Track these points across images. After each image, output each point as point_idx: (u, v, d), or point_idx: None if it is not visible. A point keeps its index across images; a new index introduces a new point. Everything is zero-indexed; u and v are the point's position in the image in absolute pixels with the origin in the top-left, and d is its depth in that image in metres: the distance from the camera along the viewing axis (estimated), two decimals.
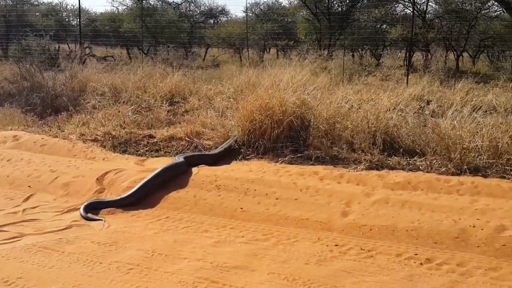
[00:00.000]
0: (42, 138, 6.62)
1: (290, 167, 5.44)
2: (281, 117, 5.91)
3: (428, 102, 9.18)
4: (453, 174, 4.98)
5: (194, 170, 5.29)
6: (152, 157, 6.18)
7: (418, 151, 5.66)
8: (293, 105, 6.03)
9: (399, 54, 23.56)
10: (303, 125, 6.06)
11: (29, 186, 5.27)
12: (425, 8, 22.24)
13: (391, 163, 5.34)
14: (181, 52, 22.19)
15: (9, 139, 6.65)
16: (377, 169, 5.25)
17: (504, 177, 4.87)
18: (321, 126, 6.14)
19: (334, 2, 22.48)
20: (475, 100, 8.31)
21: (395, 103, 7.25)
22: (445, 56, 19.74)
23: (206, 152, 5.79)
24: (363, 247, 3.82)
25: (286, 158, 5.67)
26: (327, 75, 11.28)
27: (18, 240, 3.90)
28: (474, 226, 3.92)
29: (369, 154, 5.43)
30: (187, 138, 6.56)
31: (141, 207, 4.75)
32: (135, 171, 5.35)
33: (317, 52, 19.21)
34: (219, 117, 7.45)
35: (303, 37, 23.31)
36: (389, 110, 6.36)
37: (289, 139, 5.94)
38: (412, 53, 16.76)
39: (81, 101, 9.68)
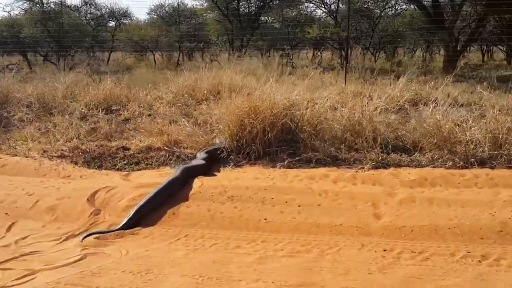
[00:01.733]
0: (0, 158, 5.84)
1: (292, 171, 5.21)
2: (274, 120, 5.64)
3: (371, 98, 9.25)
4: (461, 167, 4.99)
5: (196, 182, 4.87)
6: (133, 170, 5.65)
7: (408, 147, 5.64)
8: (282, 107, 5.78)
9: (306, 53, 24.13)
10: (295, 128, 5.83)
11: (6, 214, 4.58)
12: (336, 8, 23.00)
13: (394, 161, 5.24)
14: (84, 57, 21.23)
15: None
16: (384, 168, 5.15)
17: (511, 167, 4.93)
18: (306, 128, 5.96)
19: (243, 4, 22.34)
20: (419, 95, 8.56)
21: (341, 101, 7.25)
22: (364, 54, 20.48)
23: (201, 162, 5.36)
24: (413, 249, 3.66)
25: (285, 162, 5.42)
26: (253, 76, 11.15)
27: (33, 279, 3.31)
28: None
29: (373, 153, 5.30)
30: (166, 148, 6.09)
31: (148, 227, 4.26)
32: (128, 188, 4.84)
33: (230, 53, 19.12)
34: (169, 124, 7.07)
35: (215, 39, 23.12)
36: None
37: (284, 142, 5.69)
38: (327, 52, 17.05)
39: (4, 114, 8.78)
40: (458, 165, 5.00)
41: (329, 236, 3.94)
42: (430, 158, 5.25)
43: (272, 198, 4.47)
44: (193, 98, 9.70)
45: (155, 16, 26.52)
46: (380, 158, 5.21)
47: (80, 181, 5.24)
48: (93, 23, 24.70)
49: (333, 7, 22.80)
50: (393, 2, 22.03)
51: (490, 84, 9.12)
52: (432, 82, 9.53)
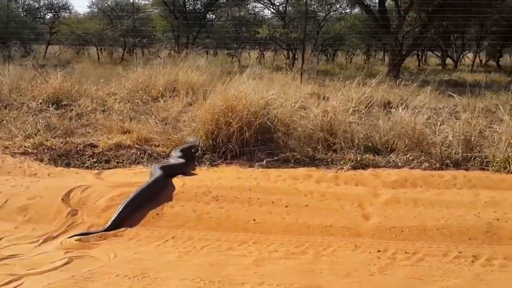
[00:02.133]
0: None
1: (272, 171, 5.17)
2: (251, 119, 5.55)
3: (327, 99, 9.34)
4: (438, 169, 5.10)
5: (177, 181, 4.72)
6: (103, 169, 5.41)
7: (380, 148, 5.72)
8: (259, 106, 5.71)
9: (249, 53, 24.16)
10: (271, 127, 5.78)
11: None
12: (284, 9, 23.21)
13: (371, 161, 5.30)
14: (20, 49, 20.36)
15: None
16: (363, 168, 5.20)
17: (484, 169, 5.10)
18: (280, 127, 5.94)
19: (189, 0, 22.02)
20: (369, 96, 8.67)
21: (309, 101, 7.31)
22: (315, 55, 20.74)
23: (181, 160, 5.19)
24: (406, 250, 3.69)
25: (263, 162, 5.36)
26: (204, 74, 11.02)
27: (20, 284, 3.08)
28: (498, 219, 4.01)
29: (351, 154, 5.33)
30: (136, 146, 5.88)
31: (129, 227, 4.08)
32: (104, 187, 4.62)
33: (175, 50, 18.86)
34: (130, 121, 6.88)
35: (159, 35, 22.73)
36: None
37: (261, 142, 5.62)
38: (300, 52, 17.15)
39: None
40: (434, 167, 5.12)
41: (321, 237, 3.91)
42: (405, 159, 5.32)
43: (258, 199, 4.40)
44: (148, 94, 9.43)
45: (96, 10, 25.66)
46: (358, 158, 5.23)
47: (49, 179, 4.95)
48: (29, 15, 23.55)
49: (281, 8, 23.02)
50: (337, 6, 22.49)
51: (436, 87, 9.32)
52: (385, 86, 9.68)
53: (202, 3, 22.37)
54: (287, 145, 5.63)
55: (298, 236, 3.92)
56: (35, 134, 6.37)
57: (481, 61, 22.17)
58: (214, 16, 23.78)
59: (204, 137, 5.68)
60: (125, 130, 6.80)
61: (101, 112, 8.10)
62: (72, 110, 8.19)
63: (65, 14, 25.39)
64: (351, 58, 25.01)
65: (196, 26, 21.04)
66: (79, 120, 7.56)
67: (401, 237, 3.88)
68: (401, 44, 18.00)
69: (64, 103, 8.62)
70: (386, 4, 18.47)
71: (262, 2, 23.09)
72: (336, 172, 5.07)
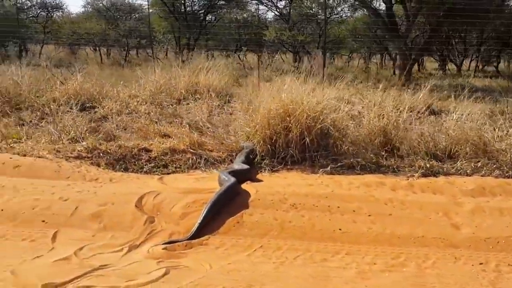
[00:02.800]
0: (11, 158, 5.26)
1: (340, 177, 5.04)
2: (311, 124, 5.41)
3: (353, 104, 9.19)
4: (510, 177, 4.96)
5: (250, 188, 4.56)
6: (162, 174, 5.25)
7: (439, 154, 5.60)
8: (319, 111, 5.56)
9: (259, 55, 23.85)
10: (329, 132, 5.64)
11: (43, 221, 4.08)
12: (289, 12, 23.07)
13: (441, 169, 5.17)
14: (15, 50, 20.12)
15: None
16: (434, 176, 5.06)
17: None
18: (334, 133, 5.79)
19: (189, 1, 21.75)
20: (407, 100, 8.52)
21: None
22: (325, 59, 20.57)
23: (246, 166, 5.05)
24: (508, 262, 3.56)
25: (328, 168, 5.20)
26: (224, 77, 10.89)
27: None
28: None
29: (420, 161, 5.20)
30: (191, 150, 5.72)
31: (211, 235, 3.92)
32: (175, 194, 4.46)
33: (176, 52, 18.67)
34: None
35: (160, 36, 22.48)
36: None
37: (322, 147, 5.47)
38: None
39: None
40: (507, 174, 4.98)
41: (415, 248, 3.77)
42: (472, 166, 5.19)
43: (338, 207, 4.25)
44: (170, 97, 9.26)
45: (90, 9, 25.33)
46: (428, 165, 5.10)
47: (113, 185, 4.79)
48: (21, 13, 23.15)
49: (284, 11, 22.86)
50: (338, 9, 22.39)
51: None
52: (409, 90, 9.47)
53: (201, 5, 22.11)
54: (348, 151, 5.48)
55: (391, 247, 3.77)
56: (81, 137, 6.21)
57: (477, 66, 22.03)
58: (214, 18, 23.41)
59: (262, 142, 5.51)
60: (163, 133, 6.67)
61: (126, 114, 7.93)
62: (96, 112, 8.00)
63: (58, 14, 25.01)
64: (348, 62, 24.73)
65: (197, 27, 20.77)
66: (105, 123, 7.38)
67: (498, 248, 3.75)
68: (410, 49, 17.91)
69: (88, 105, 8.40)
70: (394, 8, 18.35)
71: (265, 4, 22.90)
72: (407, 179, 4.93)
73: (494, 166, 5.14)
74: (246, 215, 4.13)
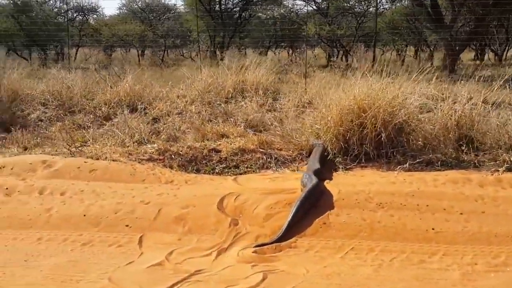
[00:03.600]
0: (85, 162, 5.30)
1: (421, 174, 4.84)
2: (388, 120, 5.24)
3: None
4: None
5: (332, 187, 4.44)
6: (234, 174, 5.19)
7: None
8: (396, 106, 5.38)
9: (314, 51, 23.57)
10: (403, 127, 5.46)
11: (127, 226, 4.07)
12: (327, 6, 22.68)
13: None
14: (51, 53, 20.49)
15: (38, 166, 5.19)
16: None
17: None
18: (407, 128, 5.60)
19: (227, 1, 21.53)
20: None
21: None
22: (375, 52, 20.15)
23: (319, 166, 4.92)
24: None
25: (406, 165, 5.02)
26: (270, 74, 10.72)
27: None
28: None
29: (505, 155, 4.96)
30: (261, 150, 5.64)
31: (299, 237, 3.82)
32: (255, 195, 4.38)
33: (212, 51, 18.58)
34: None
35: (195, 35, 22.40)
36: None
37: (396, 143, 5.30)
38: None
39: (16, 112, 8.23)
40: None
41: None
42: None
43: (427, 206, 4.09)
44: (218, 96, 9.20)
45: (125, 11, 25.56)
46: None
47: (190, 187, 4.75)
48: (58, 17, 23.58)
49: (322, 5, 22.51)
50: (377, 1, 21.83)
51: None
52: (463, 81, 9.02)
53: (236, 2, 21.93)
54: (425, 146, 5.29)
55: (489, 247, 3.60)
56: (146, 140, 6.23)
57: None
58: (249, 15, 23.13)
59: (334, 139, 5.38)
60: (221, 133, 6.63)
61: (177, 115, 7.91)
62: (146, 113, 8.01)
63: (94, 16, 25.38)
64: (381, 55, 24.09)
65: (232, 25, 20.64)
66: (156, 124, 7.39)
67: None
68: (455, 39, 17.34)
69: (140, 106, 8.41)
70: None
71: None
72: (492, 174, 4.71)
73: None
74: (333, 216, 4.01)
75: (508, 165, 4.83)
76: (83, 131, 6.88)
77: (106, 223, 4.12)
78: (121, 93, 9.02)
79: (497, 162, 4.92)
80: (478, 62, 19.73)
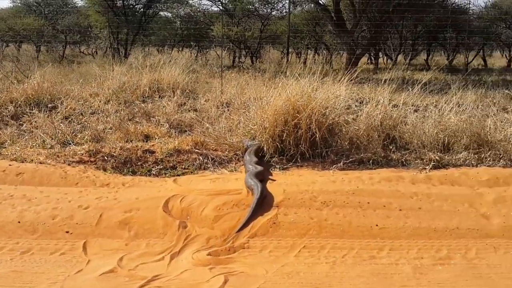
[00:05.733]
0: (10, 165, 4.92)
1: (355, 173, 5.03)
2: (322, 120, 5.40)
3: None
4: None
5: (277, 188, 4.48)
6: (171, 176, 5.08)
7: (436, 146, 5.72)
8: (325, 107, 5.55)
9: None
10: (334, 128, 5.64)
11: (68, 232, 3.85)
12: (234, 8, 22.88)
13: (449, 161, 5.29)
14: None
15: None
16: (444, 167, 5.17)
17: None
18: (337, 128, 5.81)
19: None
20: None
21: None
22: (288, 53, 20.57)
23: (262, 167, 4.95)
24: None
25: (340, 164, 5.20)
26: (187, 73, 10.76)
27: None
28: None
29: (430, 153, 5.30)
30: (196, 150, 5.57)
31: (250, 239, 3.83)
32: (201, 196, 4.32)
33: (114, 48, 18.18)
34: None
35: (97, 32, 21.76)
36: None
37: (331, 143, 5.47)
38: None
39: None
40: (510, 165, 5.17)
41: (454, 240, 3.84)
42: (476, 157, 5.35)
43: (368, 203, 4.26)
44: (133, 95, 9.01)
45: (19, 4, 24.20)
46: (438, 158, 5.21)
47: (130, 189, 4.57)
48: None
49: (229, 6, 22.63)
50: (280, 5, 22.43)
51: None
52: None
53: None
54: (355, 146, 5.51)
55: (430, 241, 3.82)
56: (70, 140, 5.92)
57: (405, 59, 22.71)
58: (153, 12, 22.63)
59: (270, 140, 5.45)
60: (145, 134, 6.48)
61: (92, 114, 7.61)
62: (57, 112, 7.60)
63: None
64: (281, 58, 24.63)
65: (136, 22, 20.17)
66: (70, 123, 7.03)
67: None
68: (356, 44, 18.30)
69: (50, 105, 7.96)
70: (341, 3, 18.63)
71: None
72: (420, 172, 5.01)
73: (498, 156, 5.30)
74: (281, 215, 4.06)
75: (434, 163, 5.15)
76: (4, 131, 6.37)
77: (44, 230, 3.87)
78: (28, 91, 8.43)
79: (423, 160, 5.22)
80: (371, 66, 20.96)
